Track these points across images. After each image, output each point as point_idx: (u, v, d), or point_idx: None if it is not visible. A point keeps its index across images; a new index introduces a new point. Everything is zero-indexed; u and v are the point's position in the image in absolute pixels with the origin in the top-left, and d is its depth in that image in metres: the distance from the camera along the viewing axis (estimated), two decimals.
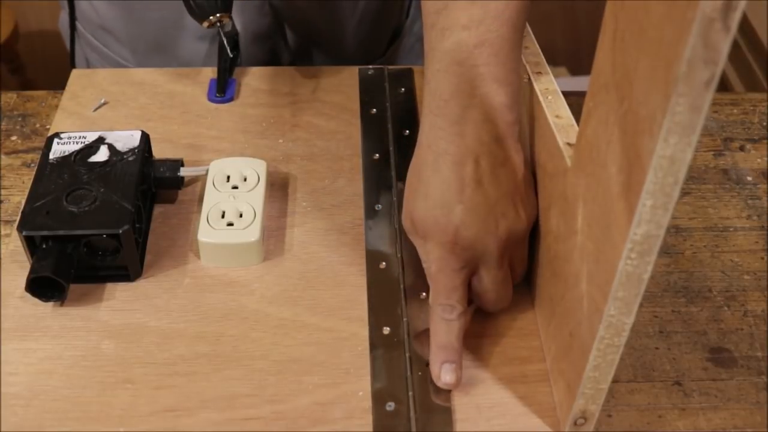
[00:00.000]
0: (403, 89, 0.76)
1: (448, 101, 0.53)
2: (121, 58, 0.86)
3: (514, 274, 0.57)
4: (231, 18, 0.72)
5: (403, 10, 0.92)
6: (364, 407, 0.53)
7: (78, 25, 0.88)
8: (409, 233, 0.57)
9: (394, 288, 0.60)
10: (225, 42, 0.77)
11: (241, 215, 0.62)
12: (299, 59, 0.86)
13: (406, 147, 0.69)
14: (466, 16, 0.52)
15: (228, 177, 0.65)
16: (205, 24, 0.71)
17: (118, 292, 0.59)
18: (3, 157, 0.71)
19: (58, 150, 0.63)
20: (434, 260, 0.54)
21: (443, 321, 0.54)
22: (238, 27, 0.78)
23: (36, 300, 0.57)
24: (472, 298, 0.56)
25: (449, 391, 0.54)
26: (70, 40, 0.89)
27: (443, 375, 0.53)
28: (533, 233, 0.58)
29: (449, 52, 0.52)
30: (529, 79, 0.58)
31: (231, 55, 0.75)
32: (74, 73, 0.78)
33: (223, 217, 0.62)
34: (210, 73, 0.78)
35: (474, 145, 0.52)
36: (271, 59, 0.85)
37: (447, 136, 0.53)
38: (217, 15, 0.71)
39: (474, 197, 0.52)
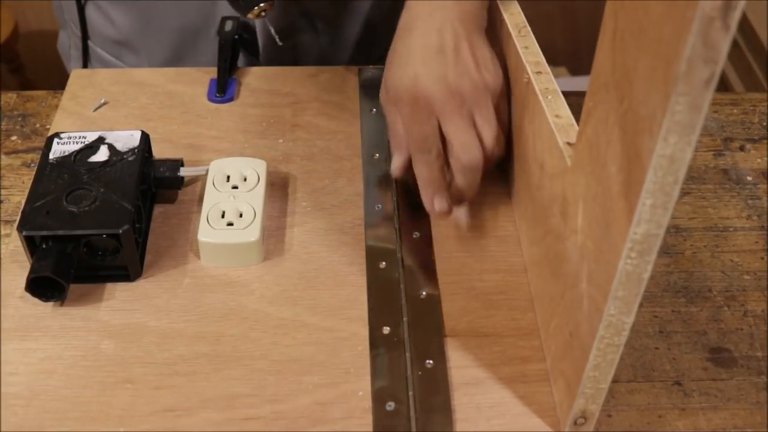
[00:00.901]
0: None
1: None
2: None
3: (483, 137, 0.61)
4: (274, 8, 0.72)
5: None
6: (364, 407, 0.53)
7: (92, 45, 0.87)
8: (384, 104, 0.64)
9: (394, 288, 0.60)
10: (225, 42, 0.77)
11: (241, 215, 0.62)
12: (290, 61, 0.85)
13: None
14: None
15: (228, 177, 0.65)
16: (251, 15, 0.71)
17: (118, 292, 0.59)
18: (3, 157, 0.71)
19: (58, 150, 0.63)
20: (405, 118, 0.61)
21: (425, 162, 0.61)
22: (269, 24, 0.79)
23: (36, 300, 0.57)
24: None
25: (449, 391, 0.54)
26: (83, 59, 0.88)
27: (436, 204, 0.61)
28: (533, 232, 0.58)
29: None
30: (529, 79, 0.58)
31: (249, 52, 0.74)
32: (74, 73, 0.78)
33: (223, 217, 0.62)
34: (210, 73, 0.78)
35: (440, 23, 0.61)
36: (294, 59, 0.85)
37: (419, 16, 0.62)
38: (261, 5, 0.71)
39: (435, 60, 0.60)
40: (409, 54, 0.61)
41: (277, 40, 0.77)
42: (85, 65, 0.88)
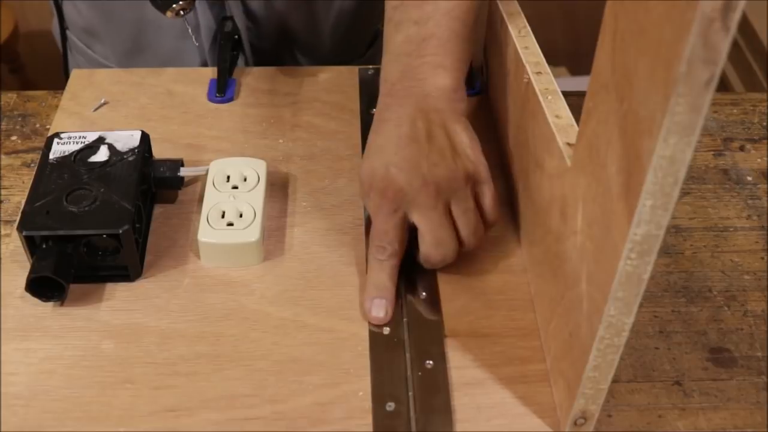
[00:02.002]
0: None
1: (395, 84, 0.60)
2: (105, 59, 0.87)
3: (460, 230, 0.58)
4: (194, 8, 0.72)
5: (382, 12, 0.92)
6: (364, 407, 0.53)
7: (66, 31, 0.89)
8: (361, 195, 0.61)
9: None
10: (225, 42, 0.78)
11: (241, 215, 0.62)
12: (274, 60, 0.86)
13: None
14: (417, 12, 0.59)
15: (228, 177, 0.65)
16: (169, 14, 0.70)
17: (118, 292, 0.60)
18: (3, 157, 0.71)
19: (58, 150, 0.63)
20: (372, 208, 0.59)
21: (376, 261, 0.59)
22: (202, 25, 0.79)
23: (36, 300, 0.57)
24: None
25: (449, 391, 0.54)
26: (62, 46, 0.90)
27: (374, 310, 0.58)
28: (533, 232, 0.58)
29: (400, 45, 0.60)
30: (529, 79, 0.58)
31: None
32: (74, 73, 0.78)
33: (223, 217, 0.62)
34: (210, 73, 0.78)
35: (413, 112, 0.58)
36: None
37: (392, 107, 0.59)
38: (180, 2, 0.70)
39: (408, 150, 0.57)
40: (383, 144, 0.58)
41: (194, 40, 0.78)
42: (65, 51, 0.90)
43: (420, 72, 0.59)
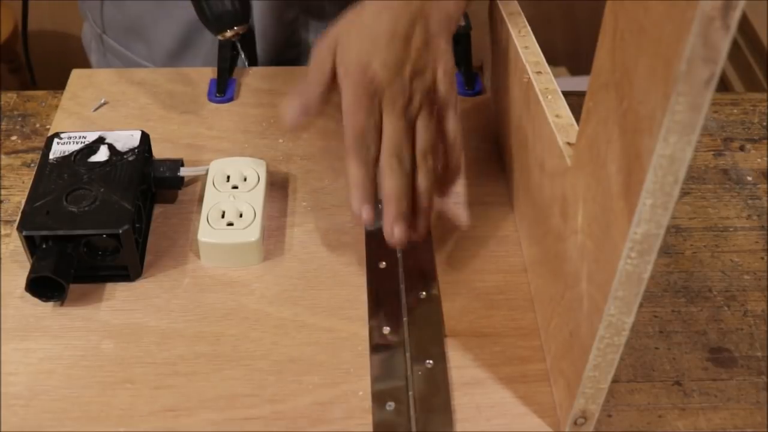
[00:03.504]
0: None
1: None
2: (144, 59, 0.87)
3: (417, 143, 0.57)
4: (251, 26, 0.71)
5: None
6: (364, 407, 0.53)
7: (104, 36, 0.89)
8: (321, 54, 0.58)
9: (394, 288, 0.60)
10: (225, 42, 0.77)
11: (241, 215, 0.62)
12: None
13: None
14: None
15: (228, 177, 0.65)
16: (221, 37, 0.70)
17: (118, 292, 0.59)
18: (3, 157, 0.71)
19: (58, 150, 0.63)
20: (349, 98, 0.56)
21: (361, 161, 0.56)
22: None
23: (36, 300, 0.57)
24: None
25: (449, 391, 0.54)
26: (99, 50, 0.90)
27: (365, 212, 0.56)
28: (533, 232, 0.58)
29: None
30: (529, 79, 0.58)
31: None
32: (74, 73, 0.78)
33: (223, 217, 0.62)
34: (210, 73, 0.78)
35: (416, 12, 0.57)
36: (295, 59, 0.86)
37: None
38: (235, 28, 0.69)
39: (398, 49, 0.56)
40: (374, 31, 0.56)
41: (245, 63, 0.77)
42: (103, 55, 0.90)
43: None
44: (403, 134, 0.57)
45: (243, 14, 0.71)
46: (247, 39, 0.80)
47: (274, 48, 0.83)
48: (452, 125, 0.59)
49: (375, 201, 0.57)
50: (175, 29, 0.83)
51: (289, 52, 0.84)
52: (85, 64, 0.91)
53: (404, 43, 0.56)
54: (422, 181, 0.58)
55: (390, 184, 0.56)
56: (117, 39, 0.88)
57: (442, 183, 0.60)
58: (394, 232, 0.57)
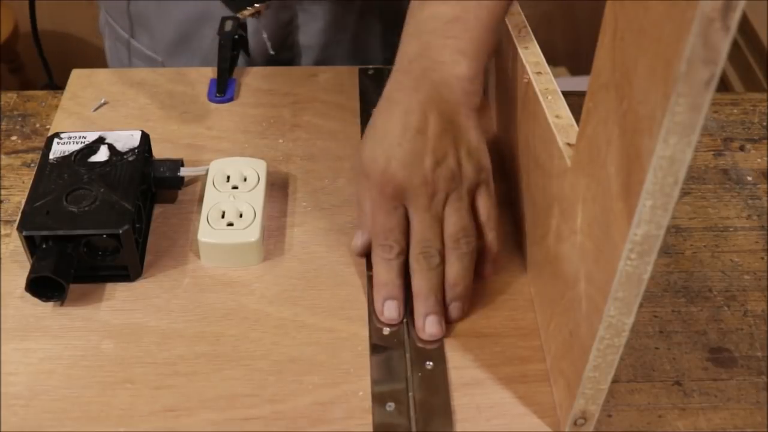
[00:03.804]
0: None
1: (413, 62, 0.57)
2: (151, 51, 0.87)
3: (445, 227, 0.57)
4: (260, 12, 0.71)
5: None
6: (364, 407, 0.53)
7: (112, 22, 0.90)
8: (356, 176, 0.60)
9: None
10: (225, 42, 0.77)
11: (241, 215, 0.62)
12: (323, 60, 0.86)
13: None
14: None
15: (228, 177, 0.65)
16: (243, 14, 0.70)
17: (118, 292, 0.59)
18: (3, 157, 0.71)
19: (58, 150, 0.63)
20: (371, 200, 0.57)
21: (383, 260, 0.57)
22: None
23: (36, 300, 0.57)
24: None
25: (449, 392, 0.54)
26: (109, 36, 0.90)
27: (386, 311, 0.57)
28: (533, 232, 0.57)
29: (424, 21, 0.58)
30: (529, 79, 0.58)
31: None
32: (74, 73, 0.78)
33: (223, 217, 0.62)
34: (210, 73, 0.78)
35: (425, 101, 0.56)
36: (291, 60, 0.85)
37: (404, 89, 0.57)
38: (256, 5, 0.69)
39: (413, 142, 0.55)
40: (388, 130, 0.56)
41: (269, 48, 0.77)
42: (113, 42, 0.90)
43: (440, 54, 0.57)
44: (429, 229, 0.56)
45: None
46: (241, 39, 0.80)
47: (267, 49, 0.83)
48: (483, 203, 0.58)
49: (401, 297, 0.57)
50: (177, 22, 0.83)
51: (283, 54, 0.84)
52: (85, 63, 0.91)
53: (419, 136, 0.55)
54: (452, 268, 0.57)
55: (418, 283, 0.57)
56: (123, 28, 0.88)
57: (477, 262, 0.59)
58: (425, 328, 0.56)
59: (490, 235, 0.59)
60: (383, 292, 0.57)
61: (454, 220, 0.56)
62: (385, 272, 0.57)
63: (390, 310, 0.57)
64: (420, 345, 0.56)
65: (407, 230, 0.57)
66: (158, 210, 0.66)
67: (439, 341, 0.57)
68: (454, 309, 0.57)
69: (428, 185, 0.55)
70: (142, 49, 0.88)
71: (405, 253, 0.57)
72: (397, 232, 0.57)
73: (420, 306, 0.56)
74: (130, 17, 0.87)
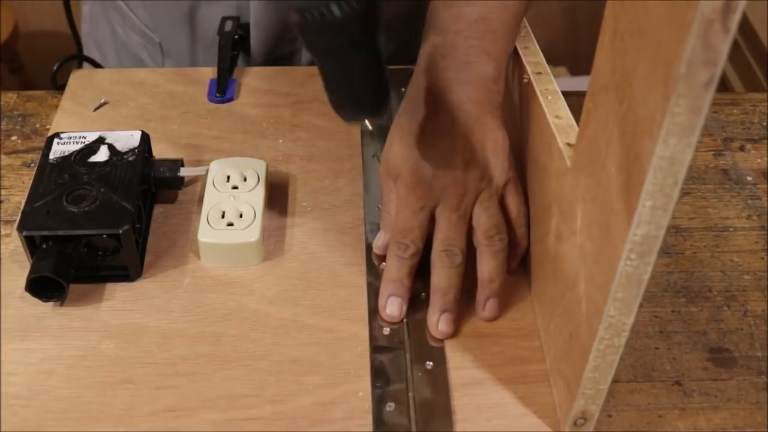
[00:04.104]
0: (404, 89, 0.76)
1: (438, 62, 0.57)
2: (148, 29, 0.86)
3: (475, 229, 0.58)
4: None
5: None
6: (364, 407, 0.53)
7: None
8: (382, 177, 0.60)
9: None
10: (225, 42, 0.77)
11: (241, 215, 0.62)
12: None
13: None
14: None
15: (228, 177, 0.65)
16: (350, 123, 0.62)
17: (118, 292, 0.60)
18: (3, 157, 0.71)
19: (58, 150, 0.63)
20: (397, 200, 0.58)
21: (396, 257, 0.58)
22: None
23: (36, 300, 0.57)
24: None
25: (449, 392, 0.54)
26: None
27: (388, 307, 0.57)
28: (533, 232, 0.57)
29: (448, 21, 0.58)
30: (529, 79, 0.58)
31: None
32: (74, 73, 0.78)
33: (223, 217, 0.62)
34: (210, 73, 0.78)
35: (452, 102, 0.56)
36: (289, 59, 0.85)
37: (430, 89, 0.57)
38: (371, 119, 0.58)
39: (443, 144, 0.56)
40: (415, 131, 0.57)
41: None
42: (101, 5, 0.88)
43: (465, 54, 0.57)
44: (454, 228, 0.57)
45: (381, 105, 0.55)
46: (241, 34, 0.79)
47: (268, 42, 0.82)
48: (513, 199, 0.59)
49: (406, 297, 0.58)
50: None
51: (283, 47, 0.84)
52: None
53: (448, 136, 0.56)
54: (487, 265, 0.57)
55: (438, 279, 0.57)
56: (126, 2, 0.86)
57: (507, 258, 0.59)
58: (438, 324, 0.57)
59: (521, 231, 0.59)
60: (390, 289, 0.58)
61: (485, 218, 0.57)
62: (396, 270, 0.58)
63: (392, 307, 0.57)
64: (431, 343, 0.56)
65: (427, 234, 0.58)
66: (158, 210, 0.66)
67: (440, 341, 0.57)
68: (491, 306, 0.58)
69: (459, 186, 0.56)
70: (138, 24, 0.86)
71: (420, 255, 0.58)
72: (417, 233, 0.57)
73: (437, 301, 0.57)
74: None
